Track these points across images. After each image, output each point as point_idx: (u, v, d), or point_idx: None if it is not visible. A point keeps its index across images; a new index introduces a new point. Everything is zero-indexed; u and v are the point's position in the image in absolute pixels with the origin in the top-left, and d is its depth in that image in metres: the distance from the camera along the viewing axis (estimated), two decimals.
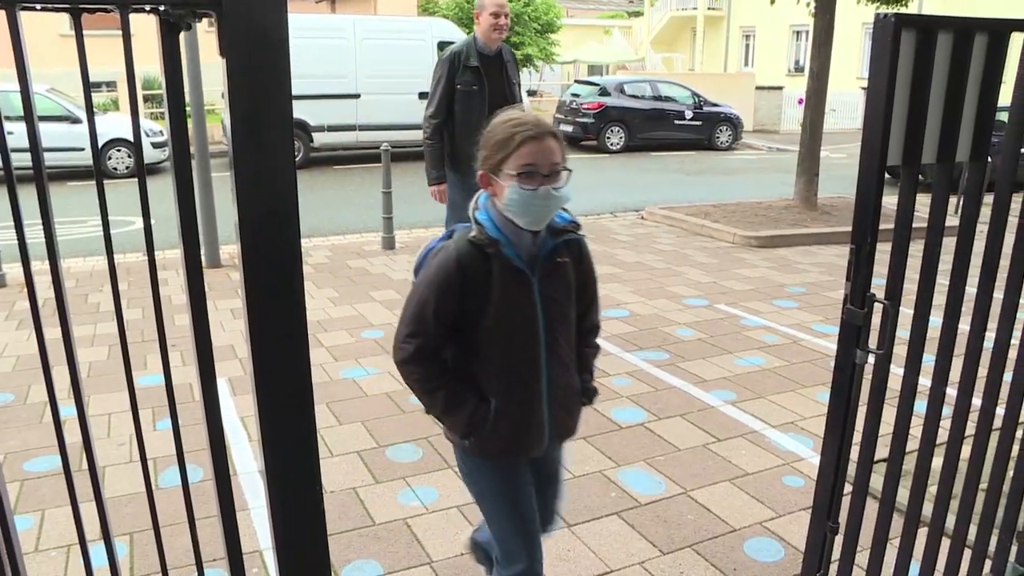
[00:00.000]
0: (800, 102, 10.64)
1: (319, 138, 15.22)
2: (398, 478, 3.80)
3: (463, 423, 2.15)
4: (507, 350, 2.13)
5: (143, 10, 1.31)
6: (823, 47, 10.10)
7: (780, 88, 25.73)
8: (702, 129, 19.62)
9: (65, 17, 1.33)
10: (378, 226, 8.84)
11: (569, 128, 18.82)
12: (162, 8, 1.29)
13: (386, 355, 5.40)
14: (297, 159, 14.85)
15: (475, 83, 5.06)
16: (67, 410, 1.53)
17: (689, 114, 19.44)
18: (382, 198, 8.48)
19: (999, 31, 2.13)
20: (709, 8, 33.44)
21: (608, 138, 18.62)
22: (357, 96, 15.11)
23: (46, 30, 19.45)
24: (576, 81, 21.97)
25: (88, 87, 1.34)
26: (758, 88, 25.23)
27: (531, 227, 2.07)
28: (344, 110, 15.10)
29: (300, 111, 14.27)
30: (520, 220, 2.05)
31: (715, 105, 19.99)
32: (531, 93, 25.54)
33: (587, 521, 3.45)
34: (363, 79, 15.08)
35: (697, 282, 7.50)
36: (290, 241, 1.39)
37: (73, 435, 1.47)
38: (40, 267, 1.50)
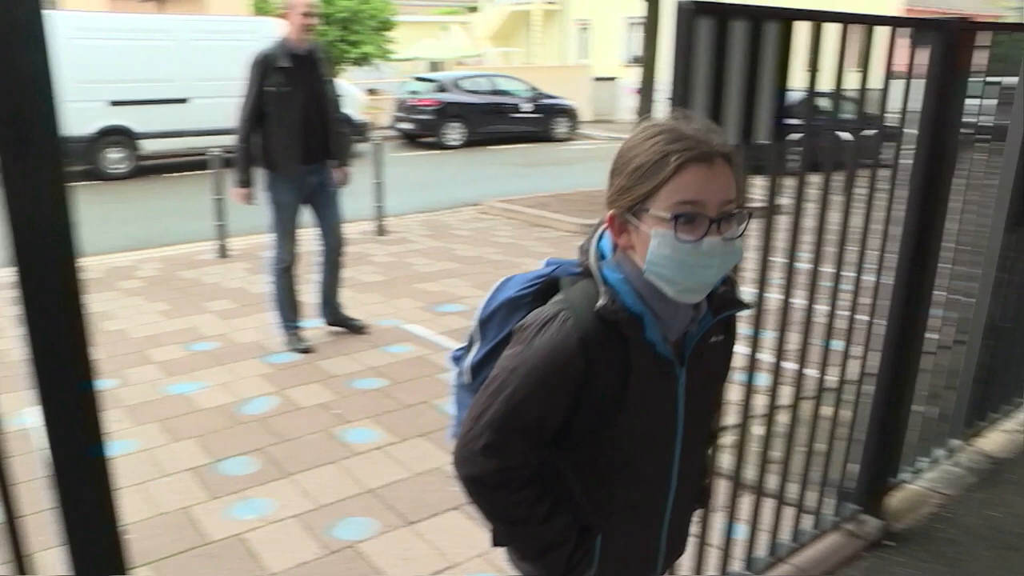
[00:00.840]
0: (636, 92, 10.97)
1: (146, 145, 14.37)
2: (232, 492, 3.65)
3: (557, 570, 1.51)
4: (628, 465, 1.49)
5: None
6: (652, 37, 10.44)
7: (614, 79, 26.54)
8: (540, 122, 19.98)
9: None
10: (212, 235, 8.46)
11: (410, 125, 18.82)
12: None
13: (219, 367, 5.16)
14: (124, 168, 14.04)
15: (286, 84, 5.00)
16: None
17: (527, 107, 19.76)
18: (213, 205, 8.14)
19: (787, 19, 2.26)
20: (546, 2, 34.02)
21: (447, 134, 18.59)
22: (184, 100, 14.40)
23: None
24: (415, 78, 21.82)
25: None
26: (596, 79, 25.92)
27: (684, 297, 1.37)
28: (172, 115, 14.27)
29: (123, 117, 13.50)
30: (670, 287, 1.35)
31: (551, 97, 20.42)
32: (371, 92, 25.20)
33: (427, 518, 3.43)
34: (192, 82, 14.32)
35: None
36: (66, 255, 1.29)
37: None
38: None
